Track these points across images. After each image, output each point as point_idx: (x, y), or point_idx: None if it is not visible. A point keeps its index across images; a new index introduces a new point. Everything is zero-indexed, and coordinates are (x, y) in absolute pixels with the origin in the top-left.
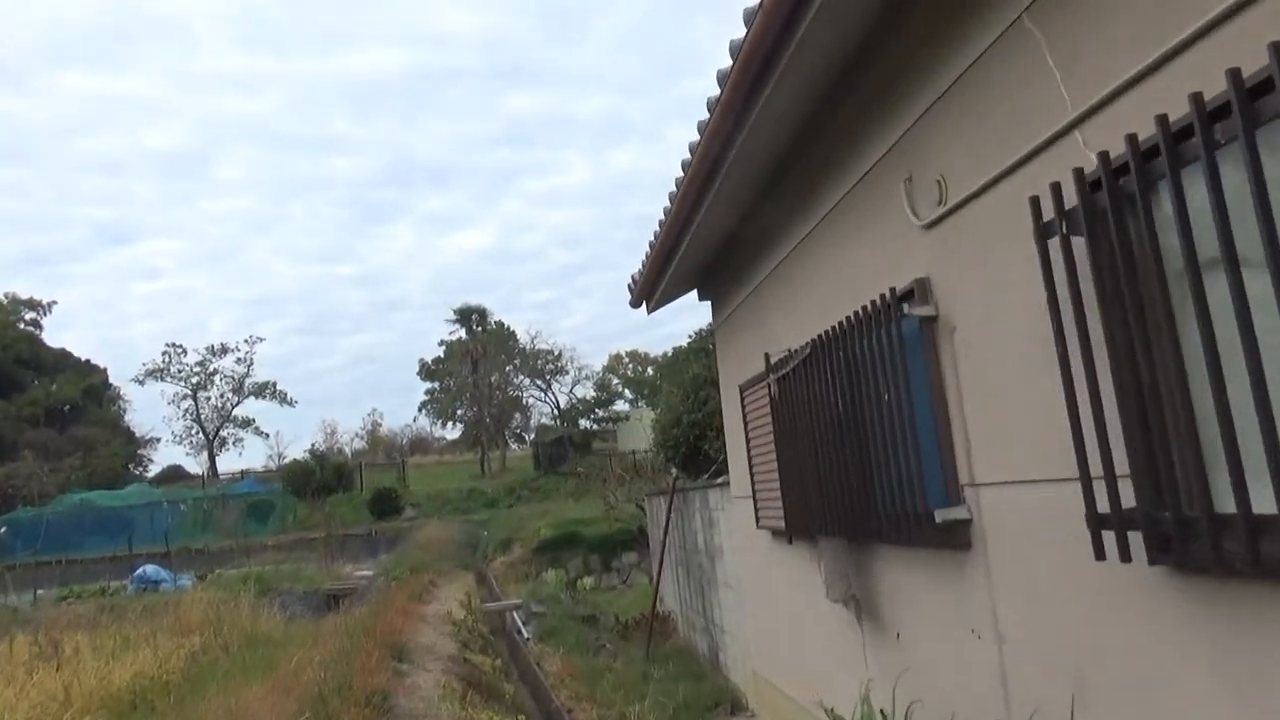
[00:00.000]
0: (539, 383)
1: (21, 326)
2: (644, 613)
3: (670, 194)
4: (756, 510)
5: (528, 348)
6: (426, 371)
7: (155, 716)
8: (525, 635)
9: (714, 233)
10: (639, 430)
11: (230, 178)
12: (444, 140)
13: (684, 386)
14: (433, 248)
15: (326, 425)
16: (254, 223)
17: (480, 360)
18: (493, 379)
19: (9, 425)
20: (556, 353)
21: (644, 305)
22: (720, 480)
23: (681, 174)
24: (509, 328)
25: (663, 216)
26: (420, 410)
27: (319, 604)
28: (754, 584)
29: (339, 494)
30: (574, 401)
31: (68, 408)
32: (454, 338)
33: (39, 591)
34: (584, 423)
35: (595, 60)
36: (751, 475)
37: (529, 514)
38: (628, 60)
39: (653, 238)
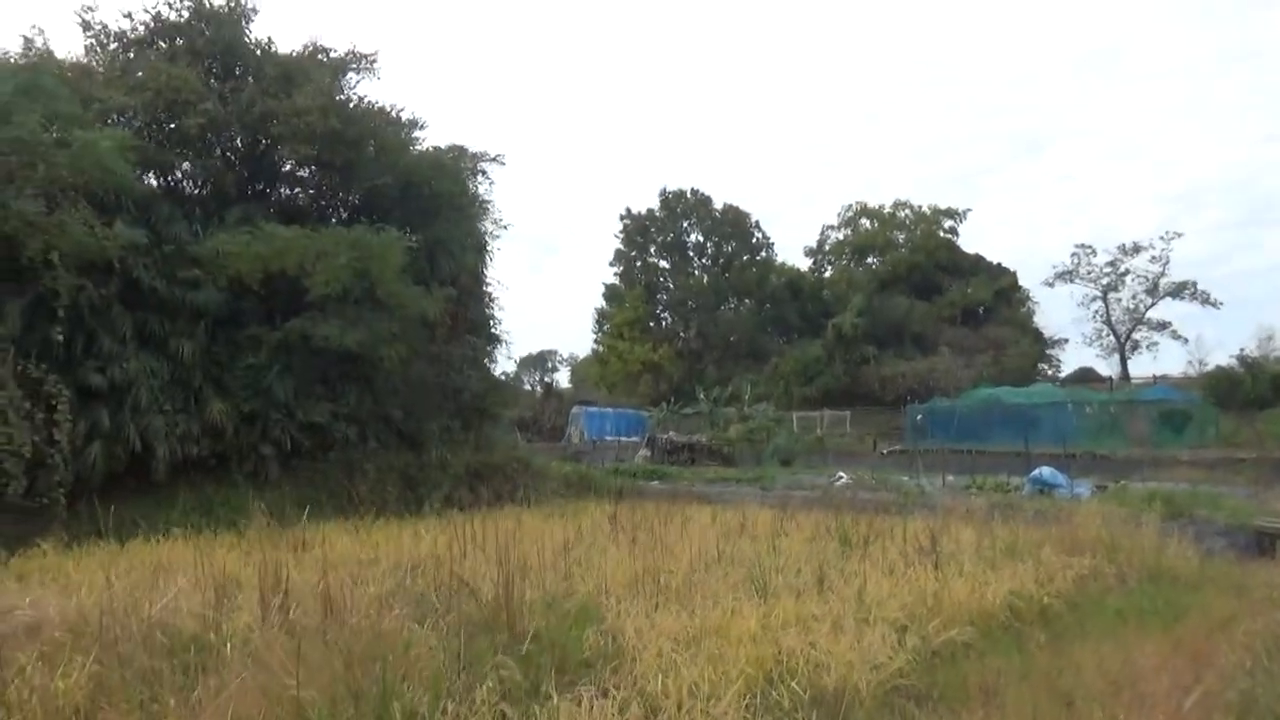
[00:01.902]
0: None
1: (941, 234)
2: None
3: None
4: None
5: None
6: None
7: (1025, 649)
8: None
9: None
10: None
11: (1143, 64)
12: None
13: None
14: None
15: (1262, 330)
16: (1171, 107)
17: None
18: None
19: (930, 324)
20: None
21: None
22: None
23: None
24: None
25: None
26: None
27: (1245, 543)
28: None
29: (1277, 409)
30: None
31: (981, 309)
32: None
33: (948, 478)
34: None
35: None
36: None
37: None
38: None
39: None
